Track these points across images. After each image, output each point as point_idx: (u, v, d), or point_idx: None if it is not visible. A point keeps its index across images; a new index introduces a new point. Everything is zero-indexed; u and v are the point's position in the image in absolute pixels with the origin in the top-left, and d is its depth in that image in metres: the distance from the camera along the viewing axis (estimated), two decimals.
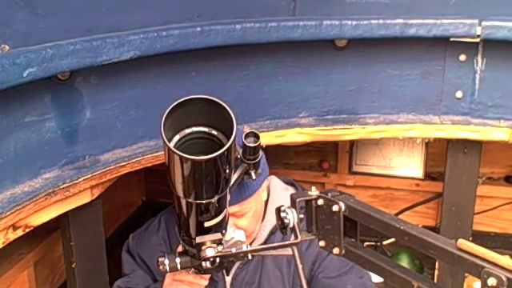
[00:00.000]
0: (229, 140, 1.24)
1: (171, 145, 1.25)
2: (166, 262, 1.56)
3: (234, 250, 1.46)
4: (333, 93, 2.03)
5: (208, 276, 1.71)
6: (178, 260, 1.56)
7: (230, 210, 1.62)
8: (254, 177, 1.55)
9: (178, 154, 1.21)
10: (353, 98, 2.03)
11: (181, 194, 1.34)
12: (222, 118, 1.26)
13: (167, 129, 1.22)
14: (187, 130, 1.30)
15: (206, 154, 1.21)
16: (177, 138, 1.29)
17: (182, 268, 1.58)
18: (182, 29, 1.72)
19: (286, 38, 1.84)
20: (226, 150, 1.22)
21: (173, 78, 1.83)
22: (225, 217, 1.50)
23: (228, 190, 1.41)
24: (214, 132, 1.30)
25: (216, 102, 1.26)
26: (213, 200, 1.36)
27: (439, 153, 2.80)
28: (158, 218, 2.07)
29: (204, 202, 1.36)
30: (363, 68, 2.00)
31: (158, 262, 1.56)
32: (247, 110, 1.97)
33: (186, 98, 1.25)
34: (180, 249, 1.62)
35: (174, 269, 1.57)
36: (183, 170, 1.26)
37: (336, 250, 1.30)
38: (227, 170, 1.31)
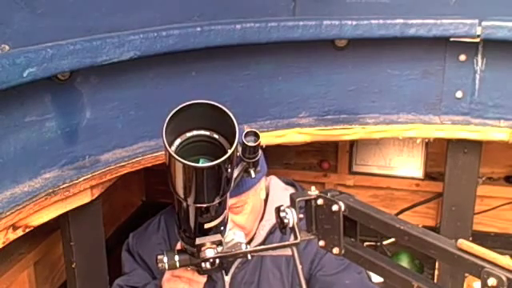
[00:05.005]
0: (231, 145, 1.23)
1: (172, 149, 1.24)
2: (165, 259, 1.56)
3: (233, 251, 1.46)
4: (333, 93, 2.03)
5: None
6: (176, 258, 1.56)
7: (228, 203, 1.62)
8: (253, 175, 1.55)
9: (181, 162, 1.19)
10: (353, 98, 2.03)
11: (181, 197, 1.34)
12: (223, 121, 1.25)
13: (169, 133, 1.22)
14: (188, 134, 1.29)
15: (208, 157, 1.21)
16: (178, 141, 1.28)
17: (180, 266, 1.58)
18: (182, 29, 1.71)
19: (286, 37, 1.83)
20: (228, 156, 1.21)
21: (173, 78, 1.83)
22: (225, 218, 1.50)
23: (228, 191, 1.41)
24: (216, 136, 1.30)
25: (218, 107, 1.25)
26: (213, 203, 1.36)
27: (439, 153, 2.80)
28: (158, 218, 2.07)
29: (205, 205, 1.36)
30: (363, 68, 2.00)
31: (156, 259, 1.56)
32: (247, 110, 1.97)
33: (188, 104, 1.24)
34: (179, 246, 1.62)
35: (172, 267, 1.57)
36: (184, 175, 1.26)
37: (336, 250, 1.30)
38: (229, 171, 1.30)
